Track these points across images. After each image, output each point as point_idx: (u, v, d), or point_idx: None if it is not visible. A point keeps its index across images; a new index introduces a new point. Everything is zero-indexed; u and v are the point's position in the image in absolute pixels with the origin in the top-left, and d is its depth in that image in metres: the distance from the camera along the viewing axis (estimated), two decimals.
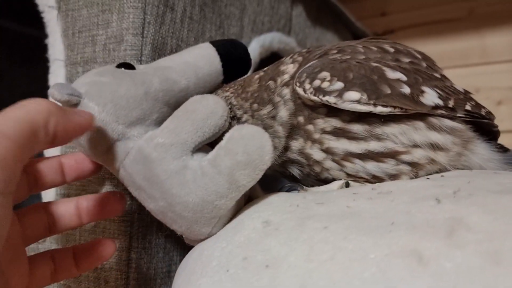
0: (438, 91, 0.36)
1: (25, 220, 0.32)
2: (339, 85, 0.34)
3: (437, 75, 0.39)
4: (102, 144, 0.33)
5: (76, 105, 0.33)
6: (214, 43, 0.41)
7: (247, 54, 0.43)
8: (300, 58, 0.39)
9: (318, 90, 0.34)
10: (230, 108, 0.39)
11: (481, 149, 0.39)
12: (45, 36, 0.49)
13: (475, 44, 0.84)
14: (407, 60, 0.38)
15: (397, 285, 0.22)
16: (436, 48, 0.88)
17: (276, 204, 0.33)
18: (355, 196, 0.31)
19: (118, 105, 0.33)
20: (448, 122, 0.36)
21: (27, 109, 0.26)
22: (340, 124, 0.35)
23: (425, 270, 0.23)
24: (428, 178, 0.34)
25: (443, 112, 0.36)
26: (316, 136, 0.36)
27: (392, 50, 0.39)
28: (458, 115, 0.37)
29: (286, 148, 0.38)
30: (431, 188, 0.30)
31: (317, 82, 0.35)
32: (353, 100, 0.34)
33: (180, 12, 0.47)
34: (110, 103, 0.33)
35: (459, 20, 0.86)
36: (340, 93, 0.34)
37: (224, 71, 0.41)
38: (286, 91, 0.37)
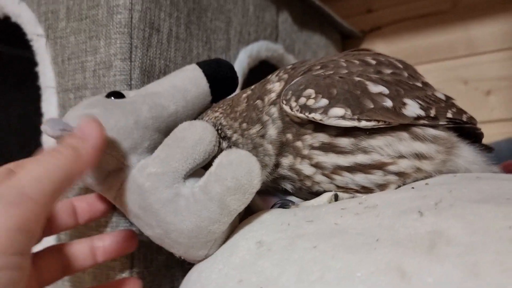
0: (420, 101, 0.37)
1: (40, 263, 0.32)
2: (323, 102, 0.35)
3: (419, 84, 0.40)
4: (97, 175, 0.34)
5: None
6: (200, 65, 0.42)
7: (234, 72, 0.43)
8: (285, 76, 0.40)
9: (304, 108, 0.35)
10: (220, 129, 0.40)
11: (465, 152, 0.40)
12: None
13: (461, 36, 0.85)
14: (388, 71, 0.39)
15: None
16: (423, 42, 0.89)
17: (269, 223, 0.34)
18: (343, 211, 0.32)
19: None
20: (431, 131, 0.37)
21: (45, 166, 0.26)
22: (327, 139, 0.36)
23: (408, 285, 0.24)
24: (413, 188, 0.35)
25: (425, 122, 0.37)
26: (305, 152, 0.37)
27: (373, 62, 0.40)
28: (441, 123, 0.38)
29: (277, 165, 0.39)
30: (414, 200, 0.31)
31: (302, 100, 0.35)
32: (338, 116, 0.35)
33: (166, 32, 0.48)
34: None
35: (444, 13, 0.87)
36: (325, 110, 0.35)
37: (212, 92, 0.41)
38: (274, 110, 0.38)
